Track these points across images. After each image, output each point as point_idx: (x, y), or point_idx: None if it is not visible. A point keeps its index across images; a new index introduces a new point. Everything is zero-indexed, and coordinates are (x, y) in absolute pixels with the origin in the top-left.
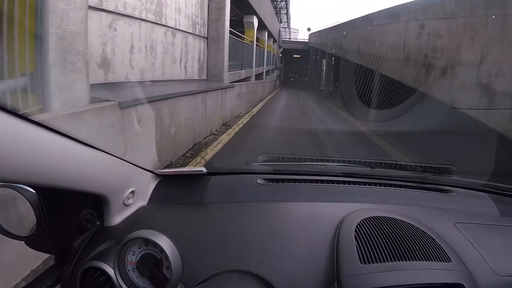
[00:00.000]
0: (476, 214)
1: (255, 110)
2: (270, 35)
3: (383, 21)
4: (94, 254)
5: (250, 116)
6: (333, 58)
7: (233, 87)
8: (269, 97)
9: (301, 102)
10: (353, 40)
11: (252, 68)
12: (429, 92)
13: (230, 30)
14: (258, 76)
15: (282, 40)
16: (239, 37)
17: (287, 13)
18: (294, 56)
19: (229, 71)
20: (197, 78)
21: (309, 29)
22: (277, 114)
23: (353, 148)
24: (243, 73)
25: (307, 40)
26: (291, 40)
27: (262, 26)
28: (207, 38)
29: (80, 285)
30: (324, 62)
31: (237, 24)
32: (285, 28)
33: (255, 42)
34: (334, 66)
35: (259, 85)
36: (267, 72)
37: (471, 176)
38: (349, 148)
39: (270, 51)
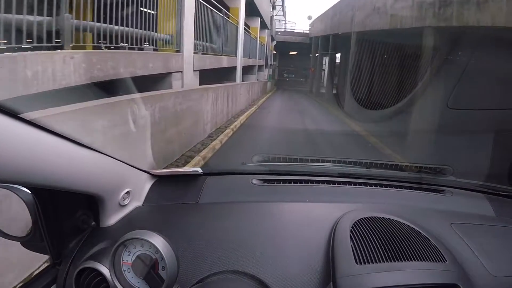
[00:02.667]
0: (471, 215)
1: None
2: (254, 12)
3: None
4: (90, 255)
5: None
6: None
7: None
8: (244, 117)
9: (309, 130)
10: None
11: (180, 52)
12: None
13: None
14: (228, 74)
15: (276, 31)
16: None
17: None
18: (291, 53)
19: None
20: None
21: (309, 17)
22: None
23: None
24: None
25: (307, 32)
26: (287, 30)
27: None
28: None
29: (75, 286)
30: (341, 54)
31: None
32: (280, 20)
33: None
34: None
35: (226, 97)
36: (250, 69)
37: (467, 177)
38: None
39: (257, 39)
